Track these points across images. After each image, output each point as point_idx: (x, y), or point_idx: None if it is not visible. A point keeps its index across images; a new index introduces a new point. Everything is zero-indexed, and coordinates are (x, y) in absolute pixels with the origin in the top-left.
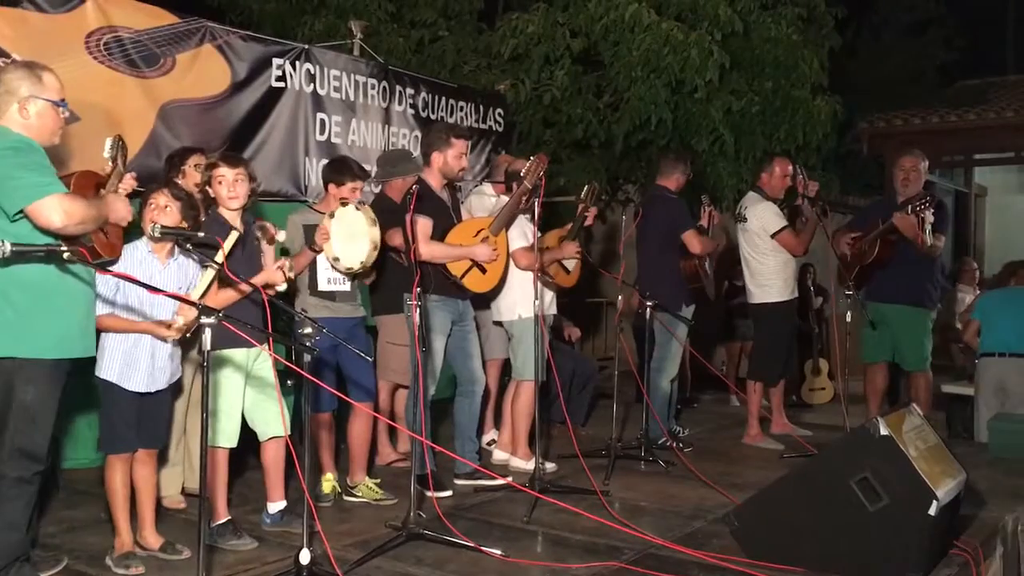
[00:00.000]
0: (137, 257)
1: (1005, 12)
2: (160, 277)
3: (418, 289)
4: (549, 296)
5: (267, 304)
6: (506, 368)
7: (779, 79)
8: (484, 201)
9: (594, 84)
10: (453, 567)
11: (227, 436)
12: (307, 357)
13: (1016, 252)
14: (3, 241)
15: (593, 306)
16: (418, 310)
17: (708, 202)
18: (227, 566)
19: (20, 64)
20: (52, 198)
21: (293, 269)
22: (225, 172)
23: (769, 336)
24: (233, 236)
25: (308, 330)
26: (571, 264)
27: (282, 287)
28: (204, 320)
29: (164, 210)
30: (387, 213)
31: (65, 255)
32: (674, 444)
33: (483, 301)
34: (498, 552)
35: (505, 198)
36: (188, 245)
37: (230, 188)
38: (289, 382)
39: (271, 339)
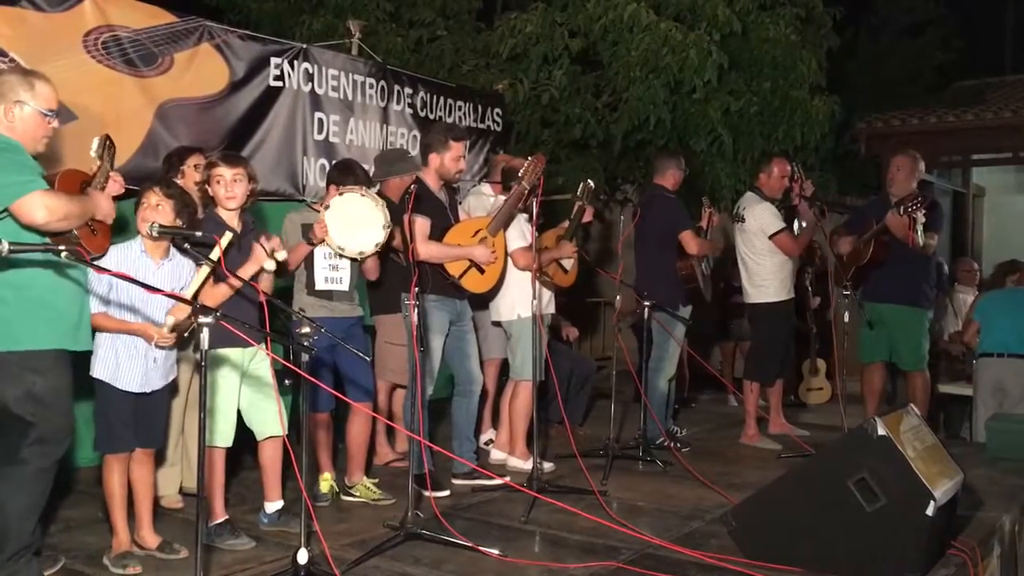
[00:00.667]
0: (131, 257)
1: (1003, 13)
2: (154, 278)
3: (416, 289)
4: (547, 296)
5: (265, 303)
6: (504, 368)
7: (777, 79)
8: (482, 201)
9: (592, 84)
10: (451, 567)
11: (223, 435)
12: (305, 357)
13: (1014, 252)
14: (1, 241)
15: (591, 306)
16: (416, 310)
17: (708, 203)
18: (224, 566)
19: (16, 69)
20: (34, 195)
21: (281, 251)
22: (223, 172)
23: (765, 336)
24: (228, 236)
25: (306, 330)
26: (569, 264)
27: (270, 266)
28: (201, 319)
29: (156, 208)
30: None
31: (63, 254)
32: (672, 444)
33: (481, 301)
34: (496, 552)
35: (503, 198)
36: (186, 244)
37: (227, 188)
38: (287, 381)
39: (269, 339)
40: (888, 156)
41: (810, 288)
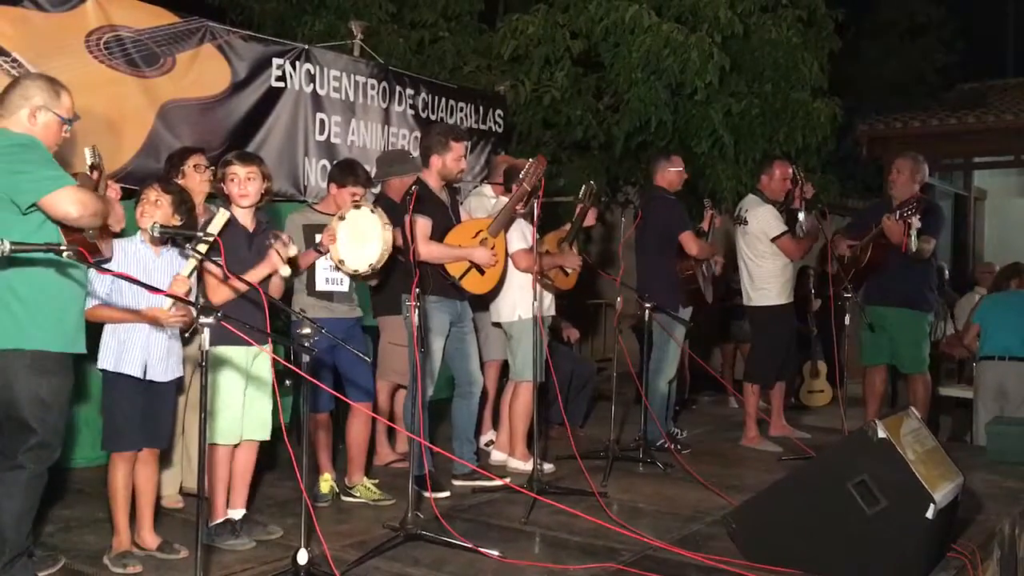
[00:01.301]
0: (131, 250)
1: (1005, 15)
2: (154, 266)
3: (417, 290)
4: (548, 298)
5: (266, 304)
6: (504, 369)
7: (779, 81)
8: (483, 202)
9: (594, 85)
10: (451, 568)
11: (227, 434)
12: (305, 357)
13: (1015, 255)
14: (2, 240)
15: (592, 307)
16: (417, 311)
17: (710, 205)
18: (224, 566)
19: (42, 76)
20: (68, 189)
21: (292, 247)
22: (237, 170)
23: (766, 339)
24: (224, 215)
25: (307, 330)
26: (570, 267)
27: (285, 271)
28: (203, 320)
29: (155, 204)
30: (387, 213)
31: (65, 254)
32: (672, 446)
33: (481, 302)
34: (496, 553)
35: (504, 199)
36: (187, 244)
37: (241, 186)
38: (287, 382)
39: (271, 340)
40: (889, 158)
41: (812, 290)
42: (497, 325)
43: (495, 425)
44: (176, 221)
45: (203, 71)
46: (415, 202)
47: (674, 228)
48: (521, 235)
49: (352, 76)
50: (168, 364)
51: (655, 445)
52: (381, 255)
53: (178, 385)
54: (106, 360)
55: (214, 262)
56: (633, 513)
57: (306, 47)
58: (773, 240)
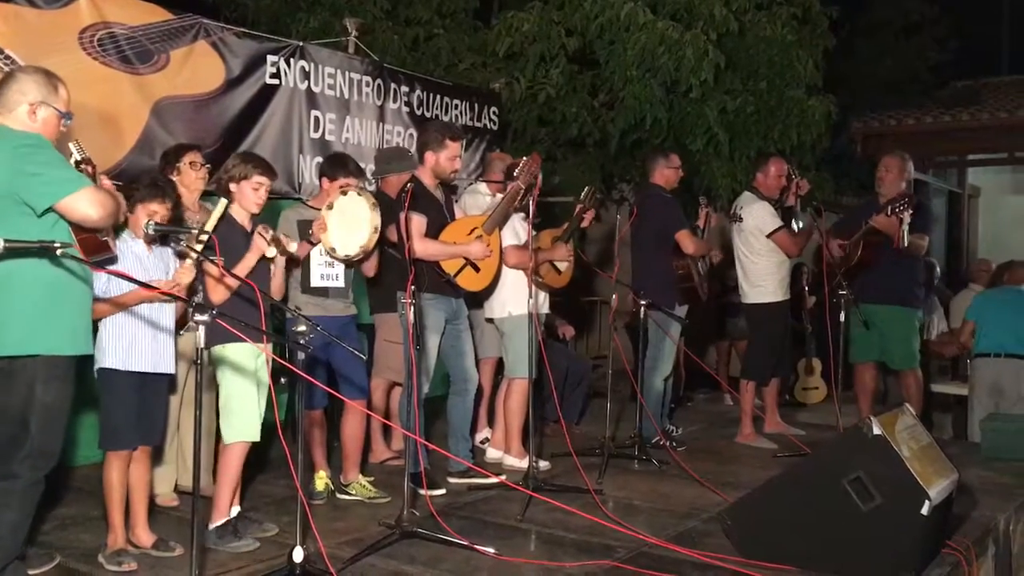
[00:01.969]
0: (124, 247)
1: (999, 13)
2: (148, 260)
3: (412, 287)
4: (542, 295)
5: (260, 300)
6: (500, 367)
7: (774, 79)
8: (478, 199)
9: (589, 83)
10: (446, 565)
11: (248, 431)
12: (300, 355)
13: (1008, 253)
14: None
15: (588, 305)
16: (412, 308)
17: (706, 203)
18: (220, 563)
19: (38, 69)
20: (87, 190)
21: (292, 243)
22: (265, 181)
23: (762, 336)
24: (223, 204)
25: (302, 328)
26: (563, 265)
27: (271, 252)
28: (198, 317)
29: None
30: (384, 209)
31: (59, 251)
32: (668, 443)
33: (476, 299)
34: (491, 550)
35: (499, 196)
36: (182, 241)
37: (261, 195)
38: (282, 379)
39: (267, 338)
40: (883, 156)
41: (806, 288)
42: (490, 321)
43: (491, 422)
44: (166, 212)
45: (197, 68)
46: (410, 199)
47: (671, 226)
48: (514, 232)
49: (347, 73)
50: (169, 354)
51: (651, 442)
52: (370, 236)
53: (172, 382)
54: (112, 359)
55: (211, 261)
56: (629, 510)
57: (301, 44)
58: (769, 236)
